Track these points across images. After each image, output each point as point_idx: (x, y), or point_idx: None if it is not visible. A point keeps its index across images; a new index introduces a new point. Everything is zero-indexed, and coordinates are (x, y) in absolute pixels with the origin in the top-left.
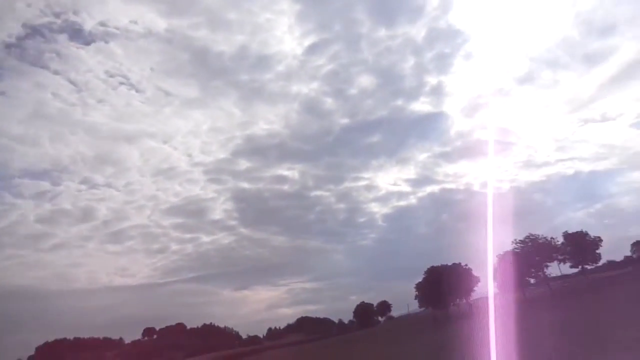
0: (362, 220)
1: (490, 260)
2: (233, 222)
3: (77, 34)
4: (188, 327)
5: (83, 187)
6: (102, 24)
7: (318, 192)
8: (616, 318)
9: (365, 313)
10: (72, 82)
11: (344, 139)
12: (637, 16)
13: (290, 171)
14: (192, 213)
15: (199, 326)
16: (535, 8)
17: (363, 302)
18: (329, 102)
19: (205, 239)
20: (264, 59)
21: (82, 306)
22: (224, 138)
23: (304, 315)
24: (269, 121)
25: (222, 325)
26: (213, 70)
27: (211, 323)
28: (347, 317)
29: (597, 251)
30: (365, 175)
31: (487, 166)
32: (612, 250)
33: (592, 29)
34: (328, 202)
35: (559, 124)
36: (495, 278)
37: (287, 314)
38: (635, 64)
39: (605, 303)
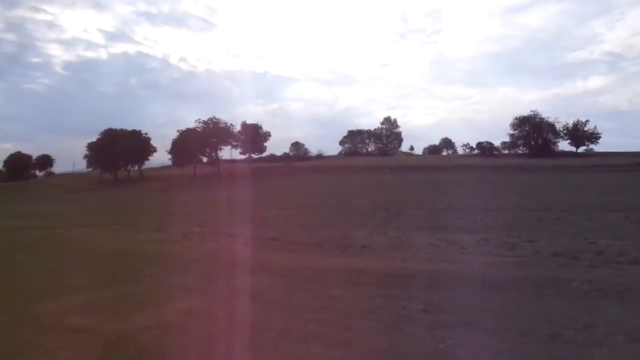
0: (35, 60)
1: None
2: None
3: None
4: None
5: None
6: None
7: None
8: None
9: (19, 164)
10: None
11: None
12: None
13: None
14: None
15: None
16: None
17: (20, 152)
18: None
19: None
20: None
21: None
22: None
23: None
24: None
25: None
26: None
27: None
28: None
29: (265, 144)
30: (49, 9)
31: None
32: (276, 146)
33: None
34: None
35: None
36: (172, 151)
37: None
38: None
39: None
